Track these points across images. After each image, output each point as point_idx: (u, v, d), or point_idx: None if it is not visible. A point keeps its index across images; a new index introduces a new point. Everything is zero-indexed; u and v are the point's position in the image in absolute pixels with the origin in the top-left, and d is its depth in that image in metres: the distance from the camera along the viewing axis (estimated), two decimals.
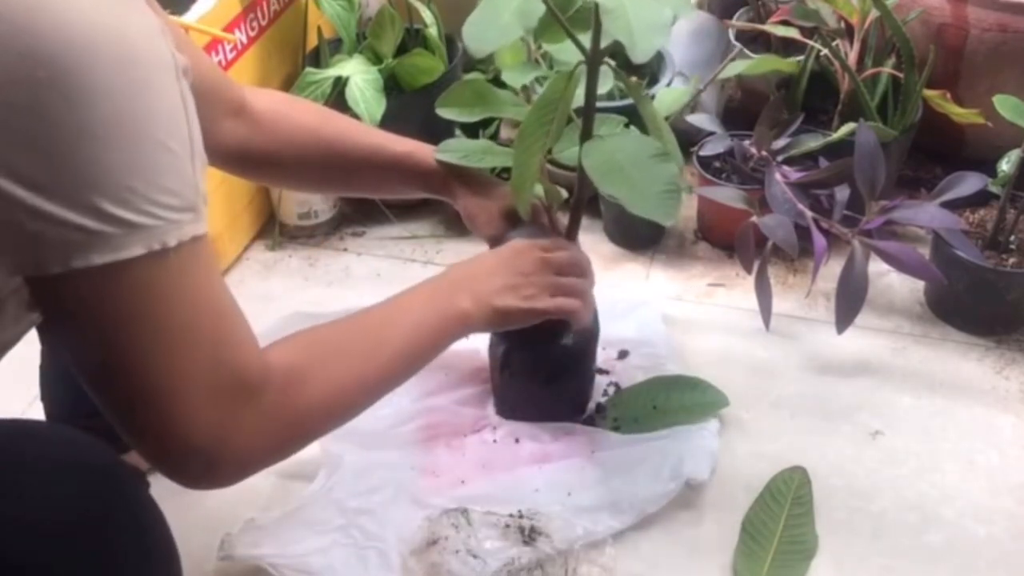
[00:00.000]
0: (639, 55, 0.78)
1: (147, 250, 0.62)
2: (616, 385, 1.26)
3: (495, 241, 1.11)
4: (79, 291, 0.63)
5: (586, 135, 0.98)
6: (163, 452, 0.70)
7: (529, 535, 1.07)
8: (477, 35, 0.85)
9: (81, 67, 0.57)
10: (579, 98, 0.96)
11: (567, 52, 0.94)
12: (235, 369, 0.70)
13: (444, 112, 1.08)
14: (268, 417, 0.73)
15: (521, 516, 1.09)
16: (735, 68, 1.04)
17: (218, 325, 0.69)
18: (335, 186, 1.22)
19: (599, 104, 0.97)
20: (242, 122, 1.00)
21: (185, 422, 0.68)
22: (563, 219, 1.11)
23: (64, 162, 0.58)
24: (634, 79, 1.53)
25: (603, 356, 1.26)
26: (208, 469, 0.71)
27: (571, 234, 1.09)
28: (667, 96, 1.46)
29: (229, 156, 1.00)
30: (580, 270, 1.04)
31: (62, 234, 0.60)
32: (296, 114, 1.05)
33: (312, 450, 1.17)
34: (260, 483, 1.17)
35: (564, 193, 1.11)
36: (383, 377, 0.86)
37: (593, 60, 0.92)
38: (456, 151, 1.10)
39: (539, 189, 1.09)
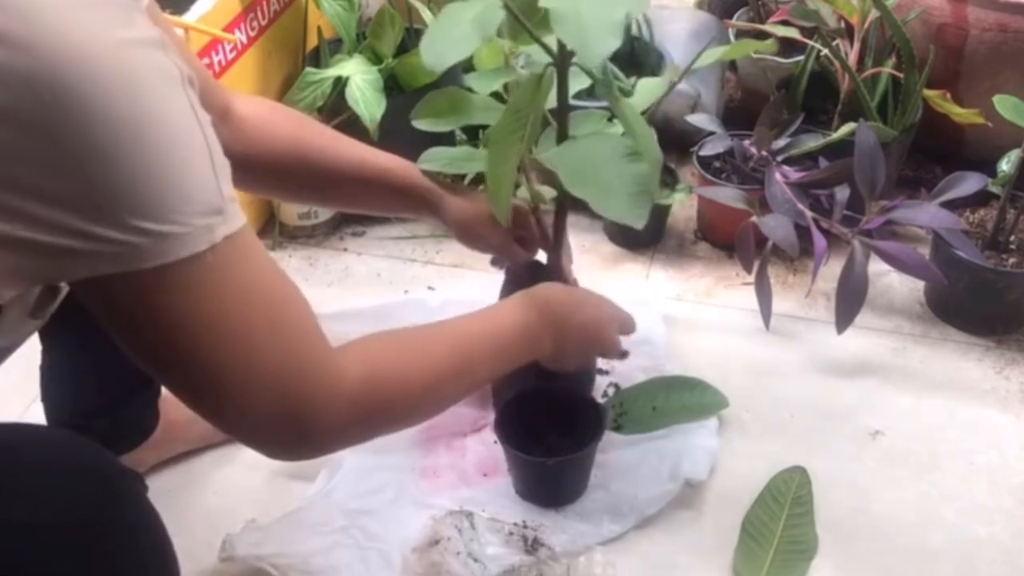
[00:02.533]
0: (592, 58, 0.75)
1: (177, 257, 0.63)
2: (616, 385, 1.26)
3: (500, 250, 1.11)
4: (118, 295, 0.64)
5: (561, 137, 0.97)
6: (238, 432, 0.74)
7: (532, 545, 1.07)
8: (435, 49, 0.82)
9: (84, 86, 0.57)
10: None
11: (542, 52, 0.92)
12: (297, 355, 0.71)
13: (419, 124, 1.05)
14: (349, 411, 0.75)
15: (525, 526, 1.09)
16: (712, 55, 1.03)
17: (272, 313, 0.70)
18: (312, 197, 1.19)
19: (585, 102, 0.96)
20: (224, 127, 0.98)
21: (252, 408, 0.70)
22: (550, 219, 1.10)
23: (83, 180, 0.59)
24: (623, 79, 1.52)
25: None
26: (288, 449, 0.75)
27: (557, 238, 1.09)
28: (648, 87, 1.43)
29: None
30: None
31: (88, 247, 0.60)
32: (276, 121, 1.04)
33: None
34: (261, 484, 1.17)
35: (551, 193, 1.10)
36: (458, 388, 0.89)
37: (562, 62, 0.90)
38: (439, 159, 1.08)
39: (524, 192, 1.09)
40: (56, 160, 0.58)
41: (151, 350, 0.68)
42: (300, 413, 0.72)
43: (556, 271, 1.10)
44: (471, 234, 1.11)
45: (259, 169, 1.02)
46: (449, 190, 1.09)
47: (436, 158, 1.09)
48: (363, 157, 1.07)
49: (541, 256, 1.14)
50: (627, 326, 1.08)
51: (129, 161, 0.60)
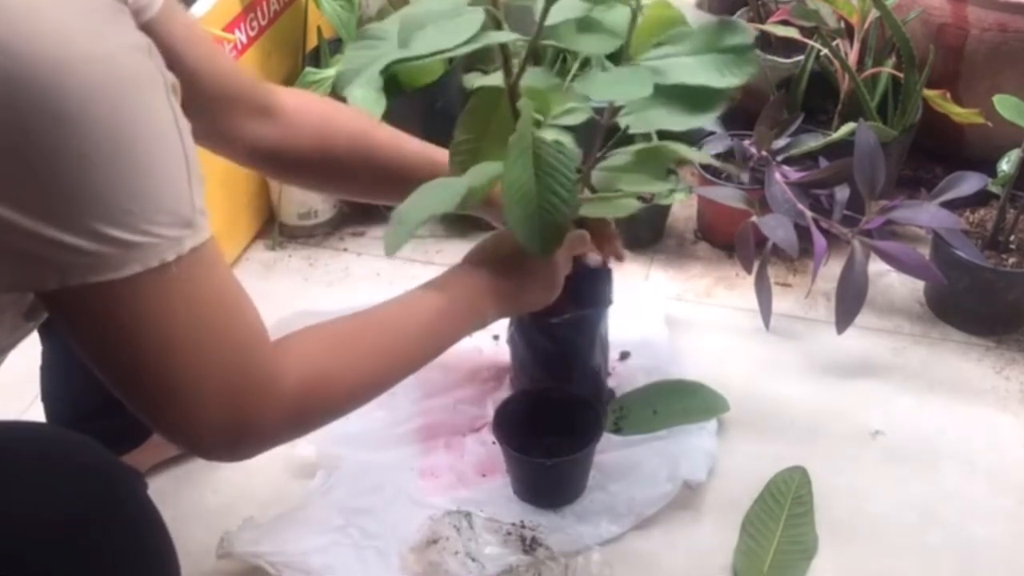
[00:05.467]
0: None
1: (145, 268, 0.63)
2: (618, 387, 1.26)
3: None
4: (83, 304, 0.63)
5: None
6: (182, 440, 0.74)
7: (530, 545, 1.07)
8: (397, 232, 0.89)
9: (59, 92, 0.57)
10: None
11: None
12: (247, 367, 0.72)
13: None
14: (287, 414, 0.76)
15: (523, 526, 1.09)
16: None
17: (223, 325, 0.70)
18: (371, 192, 1.15)
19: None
20: (271, 123, 0.98)
21: (197, 417, 0.70)
22: None
23: (56, 186, 0.59)
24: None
25: None
26: (226, 452, 0.76)
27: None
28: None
29: (257, 156, 0.98)
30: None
31: (59, 255, 0.60)
32: (340, 119, 1.03)
33: (312, 450, 1.18)
34: (259, 482, 1.17)
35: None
36: (393, 375, 0.88)
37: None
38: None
39: None
40: (28, 164, 0.58)
41: (105, 356, 0.68)
42: (242, 423, 0.72)
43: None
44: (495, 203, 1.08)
45: (320, 165, 1.01)
46: None
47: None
48: (428, 154, 1.05)
49: None
50: (577, 244, 1.02)
51: (104, 170, 0.59)
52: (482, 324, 0.96)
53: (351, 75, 0.88)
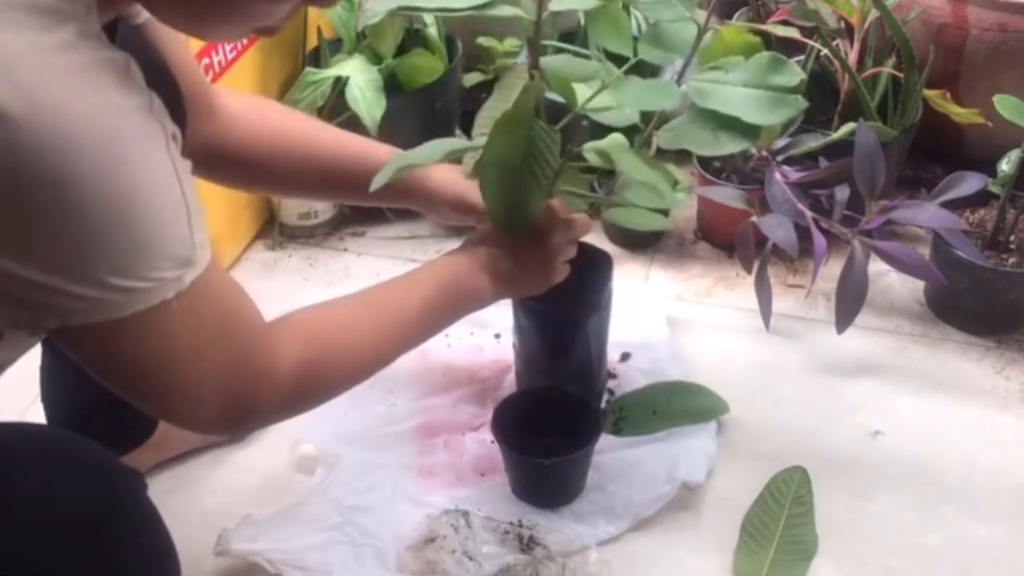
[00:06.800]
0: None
1: (147, 307, 0.65)
2: (618, 387, 1.25)
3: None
4: (84, 336, 0.65)
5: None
6: (183, 425, 0.81)
7: (527, 544, 1.07)
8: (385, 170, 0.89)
9: (61, 152, 0.58)
10: None
11: None
12: (244, 365, 0.75)
13: None
14: (284, 399, 0.80)
15: (521, 525, 1.09)
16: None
17: (226, 333, 0.73)
18: (297, 189, 1.18)
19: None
20: (210, 124, 0.99)
21: (200, 411, 0.75)
22: None
23: (58, 241, 0.60)
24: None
25: None
26: (228, 432, 0.90)
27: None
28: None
29: (198, 157, 0.99)
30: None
31: (60, 301, 0.62)
32: (261, 114, 1.04)
33: (311, 447, 1.18)
34: (259, 481, 1.17)
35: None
36: (393, 349, 0.90)
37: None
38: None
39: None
40: (31, 224, 0.59)
41: (106, 371, 0.70)
42: (242, 411, 0.77)
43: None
44: (466, 204, 1.08)
45: (249, 165, 1.03)
46: (432, 168, 1.07)
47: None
48: (344, 143, 1.06)
49: None
50: (577, 229, 1.03)
51: (105, 225, 0.61)
52: (479, 305, 0.98)
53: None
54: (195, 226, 0.67)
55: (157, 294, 0.65)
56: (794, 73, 0.90)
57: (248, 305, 0.77)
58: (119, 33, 0.73)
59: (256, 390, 0.76)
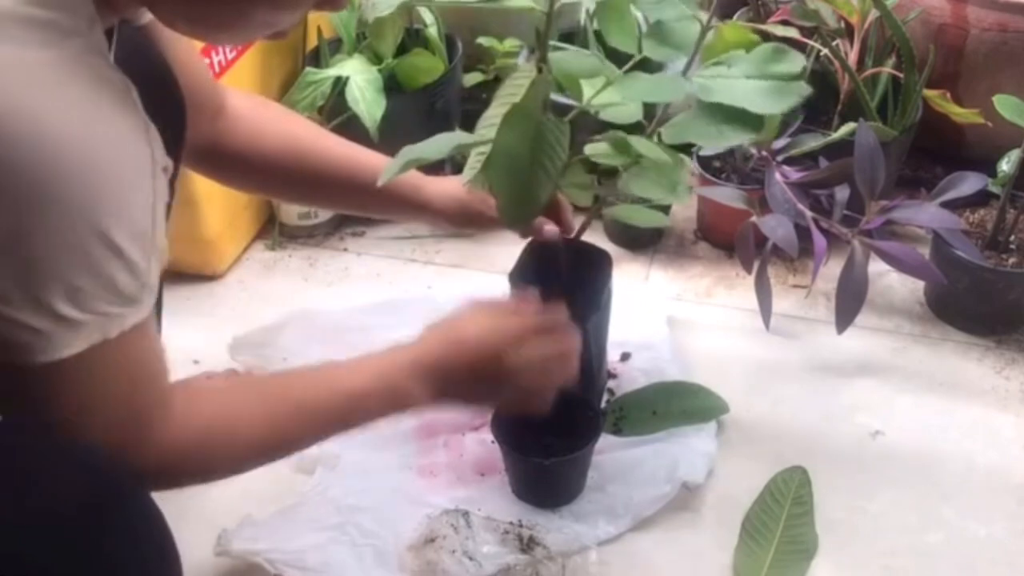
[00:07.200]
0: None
1: (88, 345, 0.65)
2: (618, 387, 1.25)
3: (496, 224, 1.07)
4: (19, 375, 0.65)
5: None
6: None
7: (527, 544, 1.07)
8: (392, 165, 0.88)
9: (36, 171, 0.58)
10: None
11: None
12: (137, 422, 0.74)
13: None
14: (163, 465, 0.78)
15: (521, 525, 1.09)
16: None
17: (133, 391, 0.72)
18: (303, 195, 1.17)
19: None
20: (218, 125, 1.00)
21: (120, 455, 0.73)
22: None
23: (10, 260, 0.60)
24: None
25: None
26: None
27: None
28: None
29: (199, 155, 0.99)
30: (561, 357, 0.97)
31: (4, 332, 0.61)
32: (268, 117, 1.04)
33: (311, 448, 1.18)
34: (260, 481, 1.17)
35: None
36: (294, 441, 0.88)
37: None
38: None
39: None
40: None
41: (22, 402, 0.69)
42: (127, 462, 0.74)
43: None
44: (467, 213, 1.07)
45: (252, 165, 1.03)
46: (428, 180, 1.08)
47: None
48: (350, 154, 1.06)
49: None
50: (536, 335, 0.94)
51: (67, 248, 0.60)
52: (412, 410, 0.92)
53: None
54: (153, 267, 0.67)
55: (98, 330, 0.65)
56: (796, 61, 0.89)
57: (163, 363, 0.76)
58: (120, 33, 0.73)
59: (137, 453, 0.74)
